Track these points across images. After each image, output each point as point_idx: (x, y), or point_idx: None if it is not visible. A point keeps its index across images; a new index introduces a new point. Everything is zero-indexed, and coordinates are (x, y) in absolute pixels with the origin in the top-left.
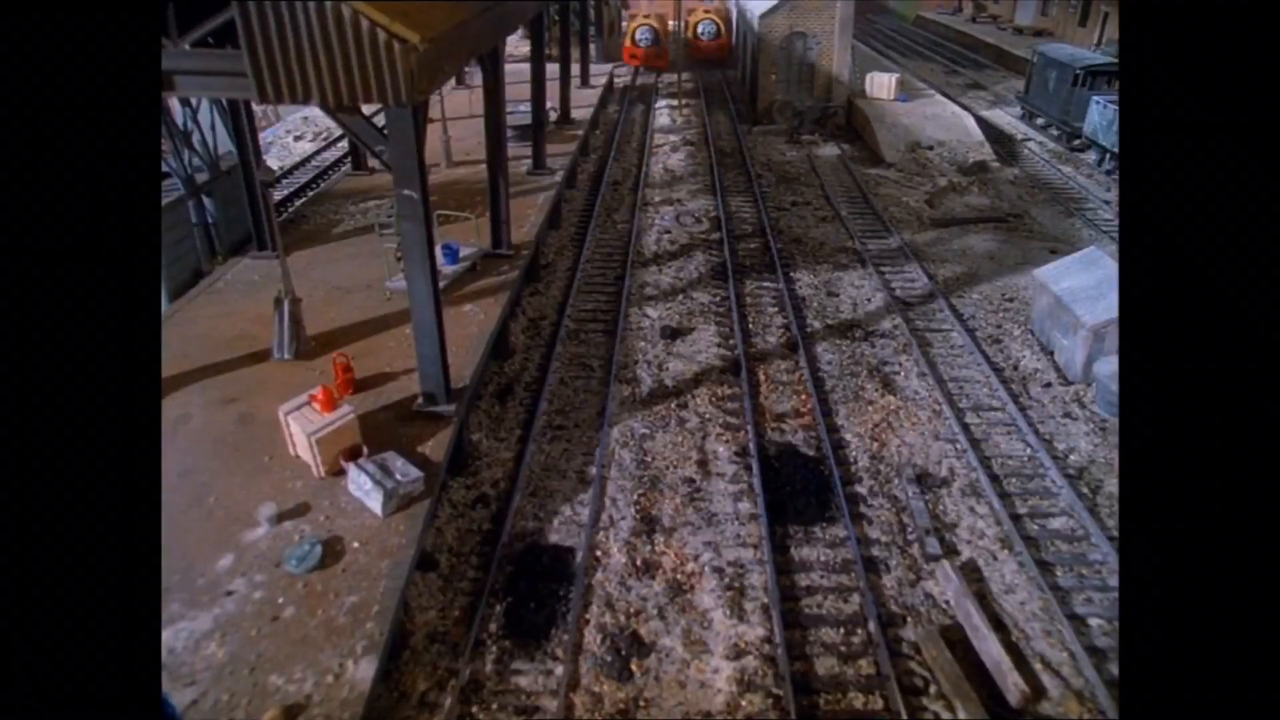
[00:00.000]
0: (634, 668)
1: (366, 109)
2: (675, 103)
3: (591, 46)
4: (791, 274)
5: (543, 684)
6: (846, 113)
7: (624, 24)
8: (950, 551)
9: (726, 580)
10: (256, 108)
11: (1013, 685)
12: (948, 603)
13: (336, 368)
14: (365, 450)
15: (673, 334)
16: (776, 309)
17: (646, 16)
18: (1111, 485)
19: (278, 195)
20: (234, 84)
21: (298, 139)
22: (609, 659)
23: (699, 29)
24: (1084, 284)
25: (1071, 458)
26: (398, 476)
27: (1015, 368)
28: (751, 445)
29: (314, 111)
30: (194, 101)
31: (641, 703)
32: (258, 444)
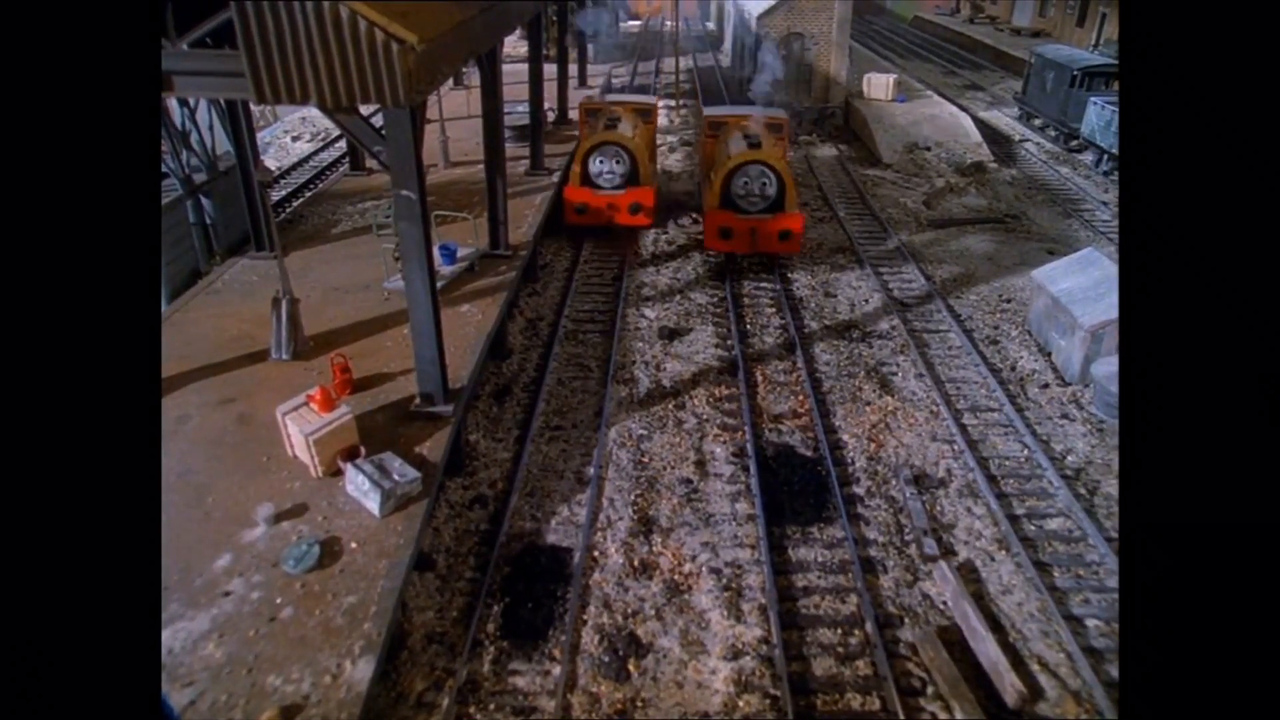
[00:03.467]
0: (631, 668)
1: (364, 109)
2: (673, 103)
3: (589, 47)
4: (789, 274)
5: (540, 684)
6: (844, 113)
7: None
8: (947, 552)
9: (724, 581)
10: (254, 108)
11: (1010, 686)
12: (945, 603)
13: (334, 368)
14: (363, 451)
15: (670, 334)
16: (774, 309)
17: (610, 129)
18: (1108, 486)
19: (276, 195)
20: (232, 85)
21: (296, 139)
22: (606, 659)
23: (737, 183)
24: (1081, 285)
25: (1069, 459)
26: (395, 477)
27: (1013, 368)
28: (749, 446)
29: (312, 112)
30: (192, 102)
31: (639, 703)
32: (256, 444)
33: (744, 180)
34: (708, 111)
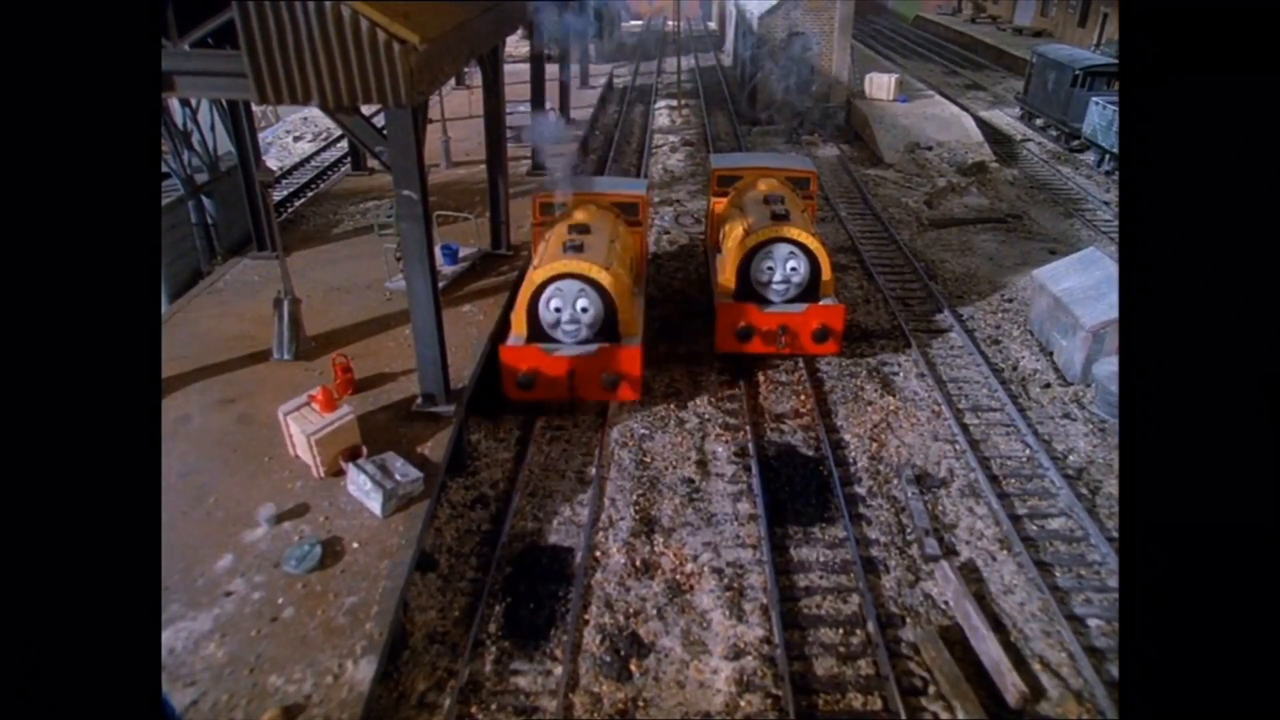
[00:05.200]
0: (633, 668)
1: (366, 109)
2: (675, 103)
3: (591, 47)
4: None
5: (542, 684)
6: (846, 113)
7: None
8: (949, 552)
9: (726, 581)
10: (256, 108)
11: (1011, 686)
12: (947, 603)
13: (336, 368)
14: (365, 450)
15: (671, 334)
16: None
17: (573, 252)
18: (1110, 486)
19: (277, 195)
20: (234, 85)
21: (297, 139)
22: (608, 659)
23: (758, 266)
24: (1083, 284)
25: (1070, 458)
26: (397, 477)
27: (1014, 368)
28: (750, 446)
29: (313, 112)
30: (193, 102)
31: (641, 703)
32: (257, 444)
33: (768, 264)
34: (715, 162)
